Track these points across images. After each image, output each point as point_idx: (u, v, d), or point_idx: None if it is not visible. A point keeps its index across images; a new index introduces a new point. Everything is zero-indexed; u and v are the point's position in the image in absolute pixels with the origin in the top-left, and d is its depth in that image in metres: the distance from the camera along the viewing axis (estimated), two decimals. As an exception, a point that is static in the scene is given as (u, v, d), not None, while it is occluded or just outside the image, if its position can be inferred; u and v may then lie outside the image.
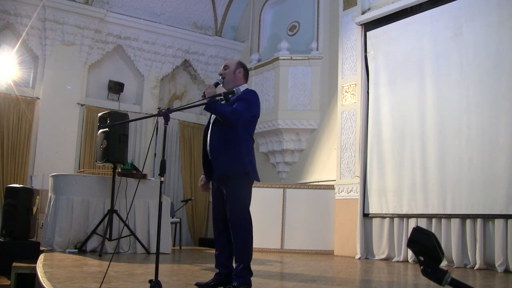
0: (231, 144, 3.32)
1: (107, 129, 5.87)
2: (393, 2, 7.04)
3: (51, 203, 5.96)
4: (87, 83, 9.12)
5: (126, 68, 9.82)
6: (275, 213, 7.53)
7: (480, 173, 5.71)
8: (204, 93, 3.30)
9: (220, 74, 3.55)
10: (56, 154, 8.40)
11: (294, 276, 4.48)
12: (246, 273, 3.28)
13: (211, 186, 3.56)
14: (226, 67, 3.56)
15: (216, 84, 3.45)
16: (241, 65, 3.60)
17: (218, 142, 3.35)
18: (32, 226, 6.12)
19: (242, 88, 3.42)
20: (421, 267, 1.94)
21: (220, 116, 3.30)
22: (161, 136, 8.52)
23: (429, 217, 6.20)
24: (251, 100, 3.39)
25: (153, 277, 2.86)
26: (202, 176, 3.58)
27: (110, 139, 5.87)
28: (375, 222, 6.85)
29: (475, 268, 5.54)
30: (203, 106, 3.28)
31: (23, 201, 5.98)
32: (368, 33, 7.37)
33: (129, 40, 9.54)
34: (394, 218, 6.61)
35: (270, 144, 8.94)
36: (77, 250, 5.77)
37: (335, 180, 7.56)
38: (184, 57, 10.18)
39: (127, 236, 5.94)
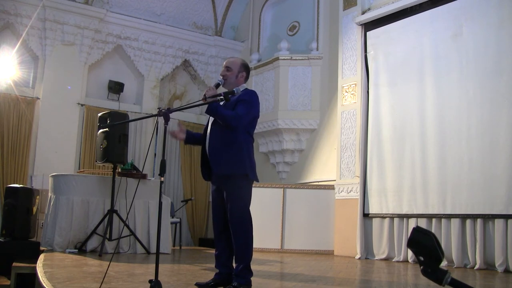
0: (231, 145, 3.31)
1: (107, 129, 5.87)
2: (393, 2, 7.04)
3: (51, 203, 5.96)
4: (87, 83, 9.11)
5: (126, 68, 9.82)
6: (275, 213, 7.53)
7: (480, 173, 5.70)
8: (204, 95, 3.27)
9: (222, 76, 3.50)
10: (56, 154, 8.40)
11: (294, 276, 4.48)
12: (246, 273, 3.28)
13: (211, 186, 3.56)
14: (228, 68, 3.49)
15: (217, 85, 3.42)
16: (244, 67, 3.53)
17: (218, 143, 3.34)
18: (32, 226, 6.13)
19: (241, 88, 3.40)
20: (421, 267, 1.94)
21: (221, 120, 3.29)
22: (161, 136, 8.52)
23: (429, 217, 6.20)
24: (251, 102, 3.37)
25: (153, 277, 2.86)
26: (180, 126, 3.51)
27: (110, 139, 5.87)
28: (375, 222, 6.85)
29: (475, 268, 5.54)
30: (203, 106, 3.27)
31: (23, 201, 5.98)
32: (368, 33, 7.37)
33: (129, 40, 9.53)
34: (394, 218, 6.61)
35: (270, 144, 8.94)
36: (77, 250, 5.77)
37: (335, 180, 7.56)
38: (184, 57, 10.18)
39: (127, 236, 5.94)
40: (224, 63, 3.57)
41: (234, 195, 3.31)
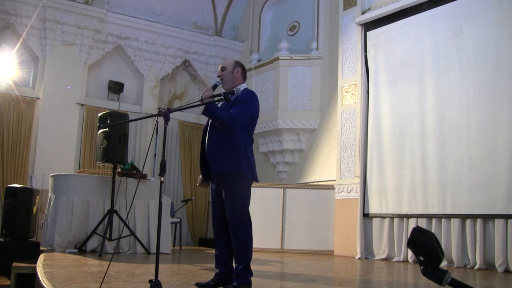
0: (229, 144, 3.33)
1: (107, 129, 5.88)
2: (393, 2, 7.04)
3: (51, 203, 5.96)
4: (87, 83, 9.11)
5: (126, 68, 9.82)
6: (275, 213, 7.53)
7: (480, 173, 5.70)
8: (202, 96, 3.31)
9: (218, 76, 3.55)
10: (56, 154, 8.40)
11: (294, 276, 4.48)
12: (246, 273, 3.28)
13: (211, 185, 3.56)
14: (223, 68, 3.55)
15: (215, 86, 3.46)
16: (238, 64, 3.60)
17: (216, 143, 3.36)
18: (32, 226, 6.13)
19: (242, 87, 3.42)
20: (421, 267, 1.94)
21: (217, 121, 3.33)
22: (161, 136, 8.52)
23: (429, 217, 6.20)
24: (249, 102, 3.40)
25: (153, 277, 2.86)
26: (200, 177, 3.60)
27: (110, 139, 5.87)
28: (375, 222, 6.84)
29: (475, 268, 5.54)
30: (203, 106, 3.29)
31: (23, 201, 5.99)
32: (368, 33, 7.37)
33: (129, 40, 9.53)
34: (394, 218, 6.61)
35: (270, 144, 8.94)
36: (77, 250, 5.77)
37: (335, 180, 7.56)
38: (184, 57, 10.18)
39: (127, 236, 5.94)
40: (219, 66, 3.64)
41: (232, 195, 3.32)
